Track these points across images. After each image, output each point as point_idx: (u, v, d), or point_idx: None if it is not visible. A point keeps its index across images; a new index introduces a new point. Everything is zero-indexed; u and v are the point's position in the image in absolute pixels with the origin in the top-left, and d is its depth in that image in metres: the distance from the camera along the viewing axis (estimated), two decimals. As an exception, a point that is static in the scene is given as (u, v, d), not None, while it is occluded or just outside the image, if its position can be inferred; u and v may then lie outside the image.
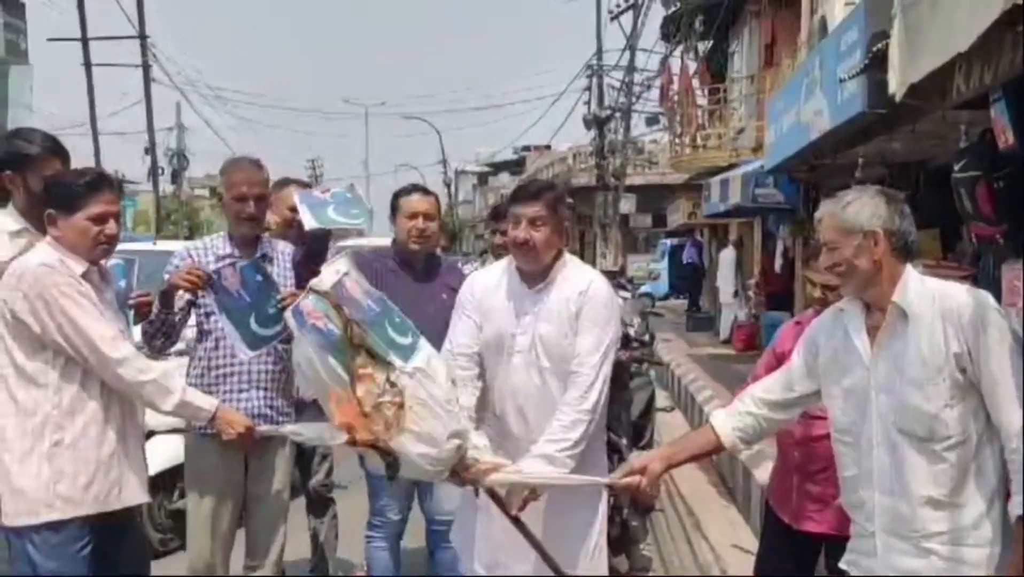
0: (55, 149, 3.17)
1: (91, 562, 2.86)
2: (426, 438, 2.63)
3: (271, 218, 4.00)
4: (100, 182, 2.91)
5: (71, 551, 2.79)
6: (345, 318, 2.63)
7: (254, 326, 3.28)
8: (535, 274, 3.10)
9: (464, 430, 2.74)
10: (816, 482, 3.12)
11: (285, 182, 4.26)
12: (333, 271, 2.71)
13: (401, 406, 2.60)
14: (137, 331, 3.36)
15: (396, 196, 3.90)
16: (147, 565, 3.20)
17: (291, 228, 4.09)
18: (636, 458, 2.74)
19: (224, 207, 3.48)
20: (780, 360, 3.25)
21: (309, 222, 3.38)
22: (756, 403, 2.57)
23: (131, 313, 3.32)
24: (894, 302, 2.31)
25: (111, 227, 2.88)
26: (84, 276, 2.84)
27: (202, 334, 3.44)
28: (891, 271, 2.33)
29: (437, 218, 3.78)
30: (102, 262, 3.00)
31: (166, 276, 3.32)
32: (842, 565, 2.52)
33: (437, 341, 3.32)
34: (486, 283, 3.20)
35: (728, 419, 2.60)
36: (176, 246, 4.31)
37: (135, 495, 2.96)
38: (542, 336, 3.04)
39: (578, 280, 3.09)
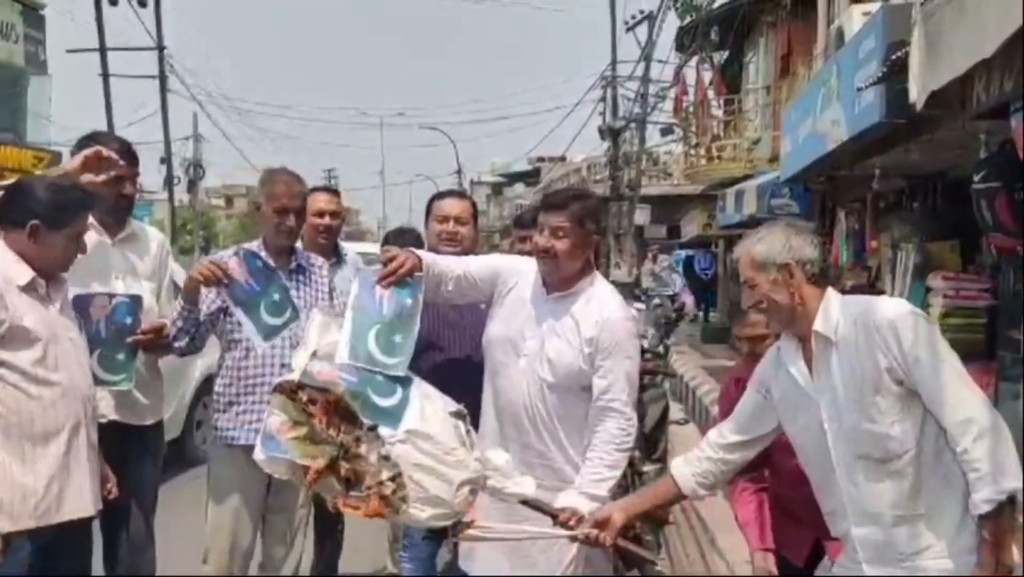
0: (124, 151, 3.31)
1: (35, 561, 2.86)
2: (434, 501, 2.56)
3: None
4: (89, 202, 2.95)
5: (9, 558, 2.75)
6: (320, 413, 2.54)
7: (264, 316, 3.24)
8: (557, 283, 3.04)
9: (475, 476, 2.64)
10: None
11: (313, 190, 4.32)
12: (299, 364, 2.63)
13: (398, 477, 2.50)
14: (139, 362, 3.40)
15: (431, 200, 3.86)
16: (89, 567, 3.18)
17: (320, 234, 4.17)
18: (598, 510, 2.70)
19: (263, 218, 3.47)
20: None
21: (342, 353, 2.72)
22: (713, 448, 2.58)
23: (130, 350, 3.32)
24: (816, 331, 2.33)
25: (83, 245, 2.93)
26: (28, 287, 2.80)
27: (231, 344, 3.41)
28: (811, 300, 2.35)
29: (471, 223, 3.71)
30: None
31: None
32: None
33: (475, 353, 3.29)
34: (520, 273, 3.12)
35: (687, 466, 2.60)
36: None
37: (78, 509, 2.87)
38: (551, 349, 2.97)
39: (603, 305, 3.01)
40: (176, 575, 3.81)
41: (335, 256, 4.35)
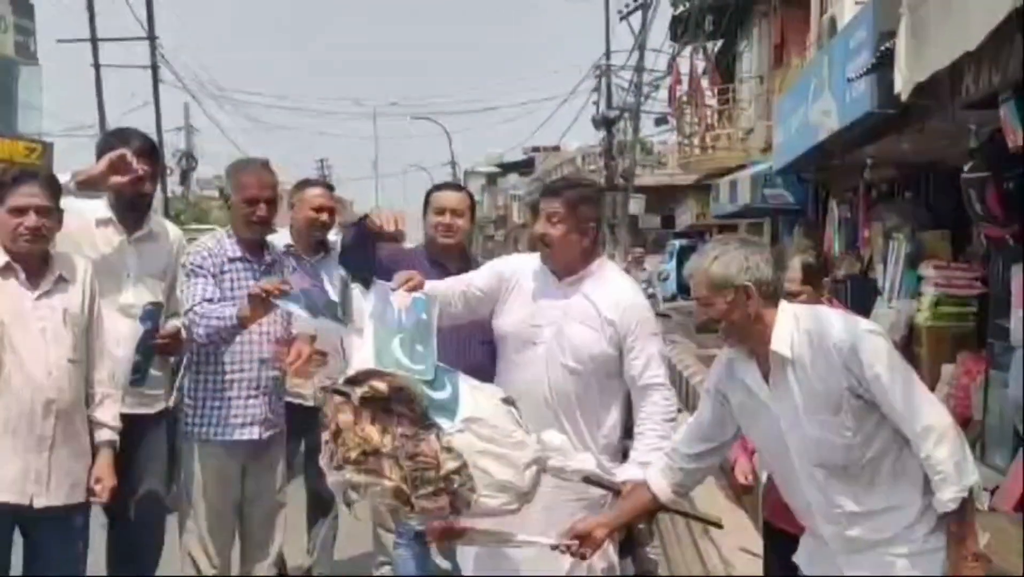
0: (145, 150, 3.31)
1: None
2: (503, 486, 2.57)
3: (293, 217, 4.15)
4: (22, 176, 2.98)
5: None
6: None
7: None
8: (562, 270, 3.07)
9: (537, 456, 2.67)
10: None
11: (306, 183, 4.35)
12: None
13: (463, 468, 2.51)
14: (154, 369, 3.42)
15: (429, 192, 3.88)
16: (83, 564, 3.15)
17: (314, 227, 4.17)
18: (579, 521, 2.73)
19: (232, 209, 3.42)
20: None
21: (367, 360, 2.68)
22: (683, 458, 2.63)
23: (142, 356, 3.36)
24: (772, 350, 2.35)
25: (31, 219, 2.91)
26: (3, 270, 2.90)
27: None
28: (766, 317, 2.37)
29: (467, 215, 3.72)
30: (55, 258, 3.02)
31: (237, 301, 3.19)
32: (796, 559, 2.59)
33: (477, 348, 3.31)
34: (521, 268, 3.17)
35: (663, 477, 2.65)
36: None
37: (12, 494, 2.88)
38: (572, 333, 3.00)
39: (618, 288, 3.08)
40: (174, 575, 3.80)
41: (322, 249, 4.34)
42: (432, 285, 3.03)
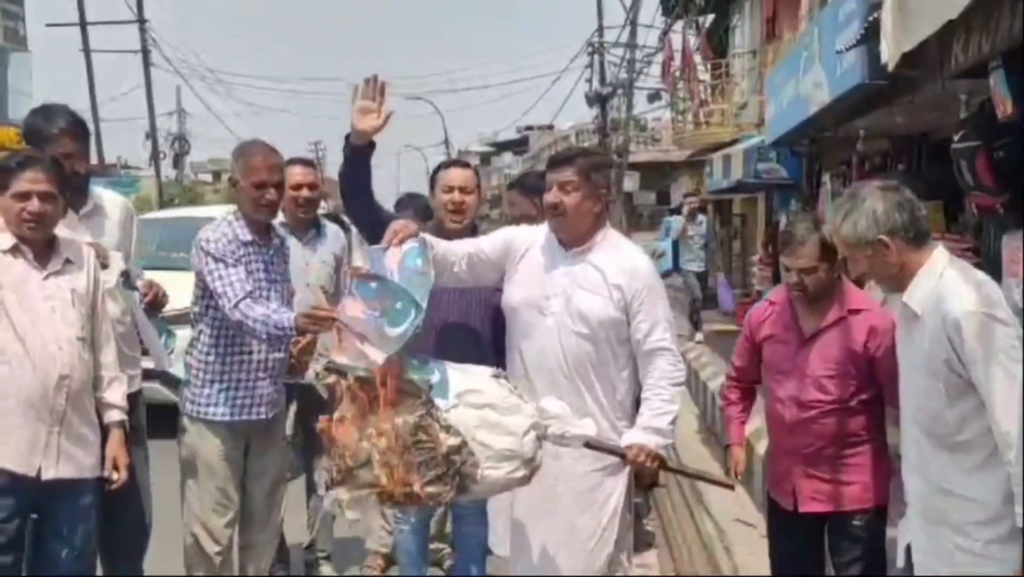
0: (70, 128, 3.27)
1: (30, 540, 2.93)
2: (505, 455, 2.60)
3: None
4: (26, 162, 2.99)
5: None
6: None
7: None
8: (572, 240, 3.08)
9: (534, 420, 2.70)
10: (811, 463, 3.13)
11: (289, 162, 4.30)
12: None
13: (464, 446, 2.53)
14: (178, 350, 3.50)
15: (435, 170, 3.87)
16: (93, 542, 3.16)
17: (297, 205, 4.19)
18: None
19: (240, 193, 3.40)
20: (752, 343, 3.28)
21: (374, 353, 2.69)
22: None
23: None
24: (903, 302, 2.34)
25: (33, 204, 2.94)
26: (12, 251, 2.96)
27: (209, 311, 3.36)
28: (910, 266, 2.35)
29: (475, 192, 3.71)
30: (65, 241, 3.05)
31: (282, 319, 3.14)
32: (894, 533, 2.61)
33: (485, 326, 3.34)
34: (530, 240, 3.17)
35: None
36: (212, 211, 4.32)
37: (8, 459, 2.90)
38: (580, 302, 3.02)
39: (624, 255, 3.09)
40: (176, 575, 3.81)
41: (315, 228, 4.37)
42: (435, 240, 3.02)
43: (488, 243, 3.18)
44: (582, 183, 3.02)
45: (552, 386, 2.99)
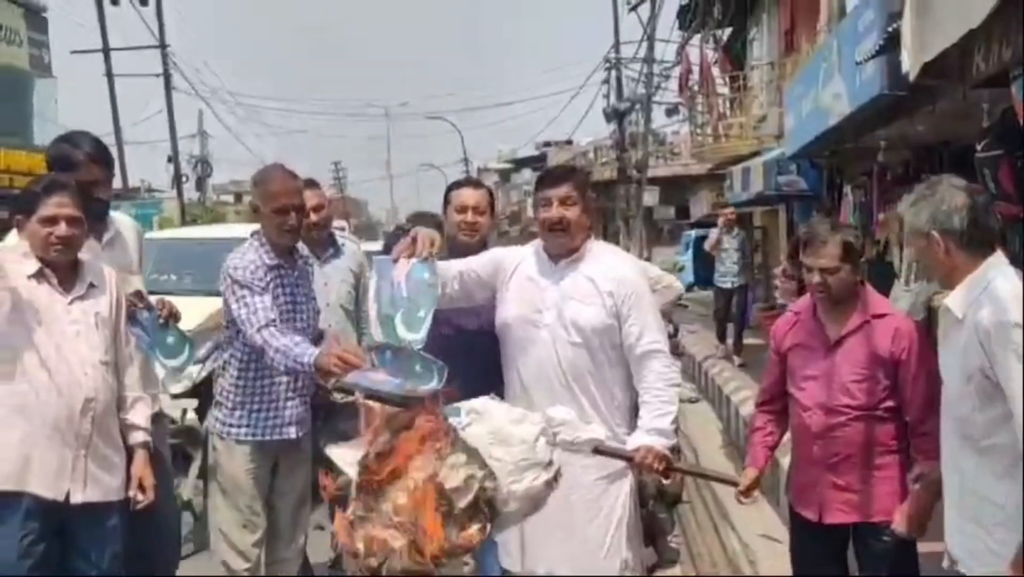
0: (95, 156, 3.30)
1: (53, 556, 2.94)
2: (522, 466, 2.58)
3: None
4: (52, 186, 3.02)
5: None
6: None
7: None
8: (566, 252, 3.15)
9: (542, 426, 2.70)
10: (839, 473, 3.08)
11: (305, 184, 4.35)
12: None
13: (485, 468, 2.49)
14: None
15: (448, 189, 3.88)
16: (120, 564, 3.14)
17: (310, 230, 4.18)
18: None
19: (263, 219, 3.44)
20: (780, 355, 3.24)
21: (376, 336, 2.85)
22: None
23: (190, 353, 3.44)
24: (944, 304, 2.37)
25: (61, 228, 2.97)
26: (36, 276, 2.97)
27: (248, 345, 3.34)
28: (961, 268, 2.35)
29: (488, 212, 3.72)
30: (86, 264, 3.07)
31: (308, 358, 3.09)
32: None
33: (496, 345, 3.28)
34: (518, 258, 3.24)
35: None
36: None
37: (43, 487, 2.91)
38: (573, 312, 3.07)
39: (611, 262, 3.18)
40: (196, 575, 3.84)
41: (332, 247, 4.38)
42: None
43: (478, 263, 3.24)
44: (579, 197, 3.14)
45: (551, 397, 3.03)
